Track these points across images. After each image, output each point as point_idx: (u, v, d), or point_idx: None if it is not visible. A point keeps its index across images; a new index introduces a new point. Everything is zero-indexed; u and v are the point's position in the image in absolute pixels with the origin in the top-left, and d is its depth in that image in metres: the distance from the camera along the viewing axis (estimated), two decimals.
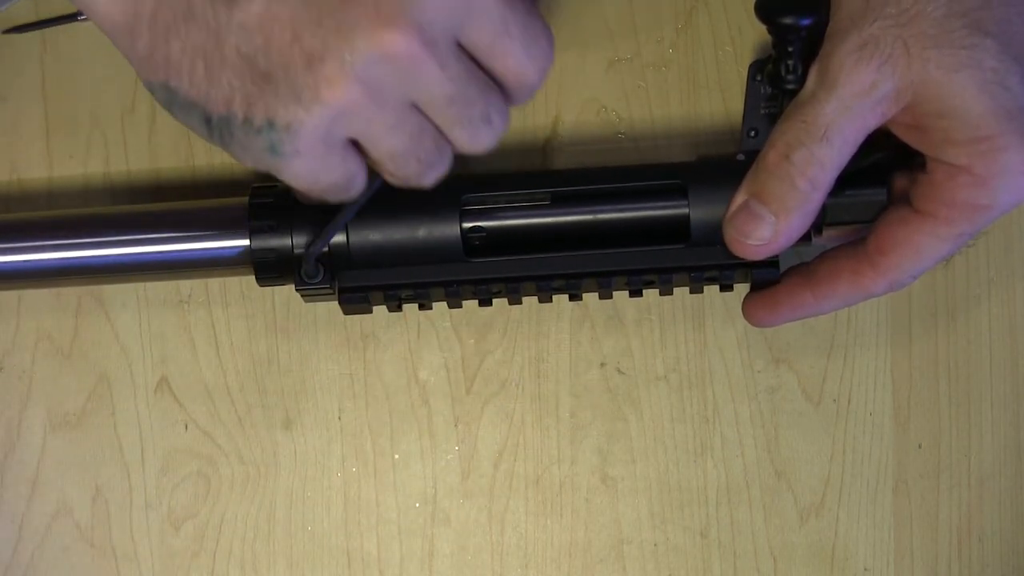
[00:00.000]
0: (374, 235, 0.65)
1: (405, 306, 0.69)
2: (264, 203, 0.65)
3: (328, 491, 0.72)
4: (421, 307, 0.69)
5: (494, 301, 0.68)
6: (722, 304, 0.71)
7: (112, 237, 0.66)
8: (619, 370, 0.72)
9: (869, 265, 0.63)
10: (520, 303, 0.69)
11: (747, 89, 0.66)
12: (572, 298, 0.68)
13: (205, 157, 0.71)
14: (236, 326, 0.72)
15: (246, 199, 0.66)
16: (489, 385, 0.72)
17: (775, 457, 0.72)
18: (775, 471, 0.72)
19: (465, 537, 0.72)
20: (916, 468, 0.72)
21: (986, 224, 0.61)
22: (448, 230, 0.65)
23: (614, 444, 0.72)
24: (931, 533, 0.72)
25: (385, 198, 0.64)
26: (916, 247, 0.62)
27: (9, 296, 0.72)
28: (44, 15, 0.71)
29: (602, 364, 0.72)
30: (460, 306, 0.68)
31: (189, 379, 0.72)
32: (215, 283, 0.72)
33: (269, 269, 0.65)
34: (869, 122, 0.61)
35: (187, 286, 0.72)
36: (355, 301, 0.66)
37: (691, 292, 0.69)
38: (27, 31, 0.71)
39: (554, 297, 0.69)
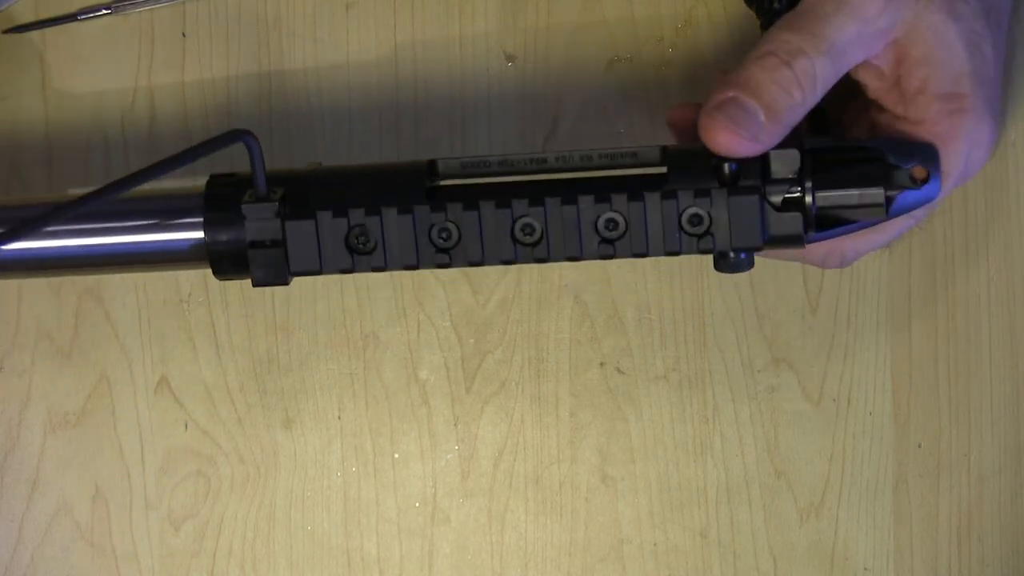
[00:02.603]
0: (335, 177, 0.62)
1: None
2: (221, 192, 0.62)
3: (328, 491, 0.72)
4: (376, 265, 0.62)
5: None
6: (722, 304, 0.71)
7: (63, 227, 0.62)
8: (619, 370, 0.72)
9: None
10: (481, 245, 0.61)
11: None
12: (538, 253, 0.61)
13: (205, 156, 0.71)
14: (236, 326, 0.72)
15: (203, 187, 0.62)
16: (489, 385, 0.72)
17: (775, 457, 0.72)
18: (775, 471, 0.72)
19: (465, 537, 0.72)
20: (916, 468, 0.72)
21: (923, 217, 0.63)
22: (414, 170, 0.61)
23: (614, 444, 0.72)
24: (931, 533, 0.72)
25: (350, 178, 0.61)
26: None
27: (9, 296, 0.72)
28: (44, 15, 0.71)
29: (602, 364, 0.72)
30: (414, 256, 0.61)
31: (189, 379, 0.72)
32: (215, 283, 0.72)
33: (226, 261, 0.62)
34: (858, 53, 0.60)
35: (187, 286, 0.72)
36: (302, 231, 0.61)
37: (666, 250, 0.61)
38: (27, 31, 0.71)
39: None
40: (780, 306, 0.72)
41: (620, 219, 0.60)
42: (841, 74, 0.60)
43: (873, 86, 0.62)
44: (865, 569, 0.72)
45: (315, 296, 0.72)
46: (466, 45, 0.72)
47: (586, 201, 0.60)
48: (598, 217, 0.60)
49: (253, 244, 0.61)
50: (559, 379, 0.72)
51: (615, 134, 0.71)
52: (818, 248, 0.64)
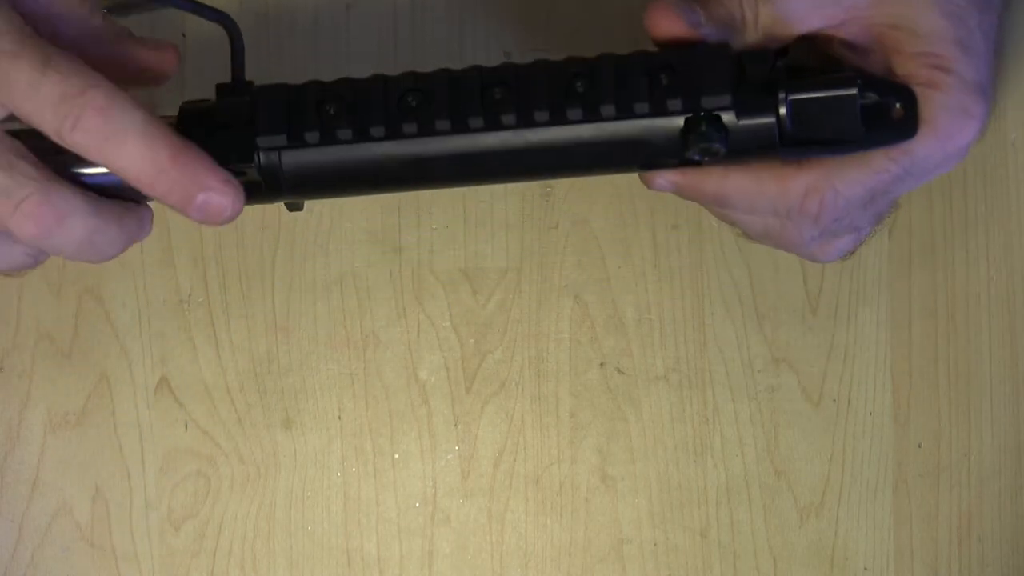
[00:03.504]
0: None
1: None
2: (193, 120, 0.60)
3: (328, 491, 0.72)
4: (356, 131, 0.59)
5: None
6: (722, 304, 0.71)
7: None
8: (619, 370, 0.72)
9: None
10: (449, 108, 0.59)
11: None
12: (507, 125, 0.59)
13: None
14: (236, 326, 0.72)
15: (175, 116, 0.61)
16: (489, 385, 0.72)
17: (775, 457, 0.72)
18: (775, 471, 0.72)
19: (465, 537, 0.72)
20: (916, 468, 0.72)
21: (916, 156, 0.60)
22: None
23: (614, 444, 0.72)
24: (931, 533, 0.72)
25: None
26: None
27: (9, 296, 0.72)
28: None
29: (602, 364, 0.72)
30: (384, 123, 0.59)
31: (189, 379, 0.72)
32: (215, 283, 0.72)
33: None
34: (812, 19, 0.60)
35: (187, 286, 0.72)
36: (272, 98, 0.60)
37: (635, 104, 0.59)
38: None
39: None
40: (780, 306, 0.72)
41: (587, 83, 0.59)
42: (790, 31, 0.60)
43: (846, 56, 0.62)
44: (865, 569, 0.72)
45: (315, 296, 0.72)
46: (466, 45, 0.71)
47: (556, 64, 0.59)
48: (567, 80, 0.59)
49: (223, 125, 0.59)
50: (559, 379, 0.72)
51: None
52: (796, 182, 0.61)
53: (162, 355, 0.72)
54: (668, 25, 0.60)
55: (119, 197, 0.59)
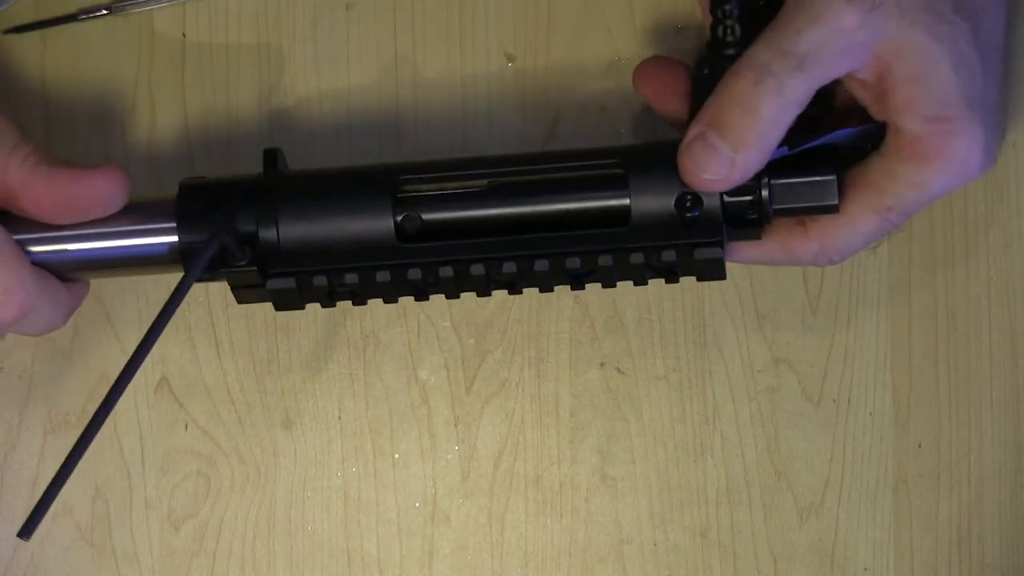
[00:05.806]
0: (303, 227, 0.63)
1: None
2: (194, 196, 0.63)
3: (328, 491, 0.72)
4: (355, 302, 0.66)
5: (433, 297, 0.65)
6: (722, 304, 0.71)
7: (39, 234, 0.64)
8: (619, 370, 0.72)
9: (801, 227, 0.64)
10: (457, 296, 0.65)
11: (693, 80, 0.64)
12: (511, 291, 0.65)
13: (205, 155, 0.71)
14: (236, 326, 0.72)
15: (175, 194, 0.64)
16: (489, 385, 0.72)
17: (775, 457, 0.72)
18: (775, 471, 0.72)
19: (465, 537, 0.72)
20: (916, 468, 0.72)
21: (913, 207, 0.62)
22: (381, 219, 0.63)
23: (614, 444, 0.72)
24: (931, 533, 0.72)
25: (317, 187, 0.64)
26: (848, 214, 0.63)
27: None
28: (44, 15, 0.71)
29: (602, 364, 0.72)
30: (395, 298, 0.65)
31: (189, 379, 0.72)
32: (215, 283, 0.72)
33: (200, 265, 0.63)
34: (839, 66, 0.60)
35: None
36: (284, 287, 0.64)
37: (635, 284, 0.65)
38: (27, 31, 0.71)
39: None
40: (780, 306, 0.72)
41: (580, 268, 0.64)
42: (819, 85, 0.60)
43: (860, 96, 0.62)
44: (865, 569, 0.72)
45: None
46: (466, 45, 0.71)
47: (556, 267, 0.63)
48: (564, 265, 0.63)
49: (234, 287, 0.65)
50: (559, 379, 0.72)
51: (615, 134, 0.71)
52: (803, 252, 0.65)
53: (162, 355, 0.72)
54: (702, 185, 0.62)
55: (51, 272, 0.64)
